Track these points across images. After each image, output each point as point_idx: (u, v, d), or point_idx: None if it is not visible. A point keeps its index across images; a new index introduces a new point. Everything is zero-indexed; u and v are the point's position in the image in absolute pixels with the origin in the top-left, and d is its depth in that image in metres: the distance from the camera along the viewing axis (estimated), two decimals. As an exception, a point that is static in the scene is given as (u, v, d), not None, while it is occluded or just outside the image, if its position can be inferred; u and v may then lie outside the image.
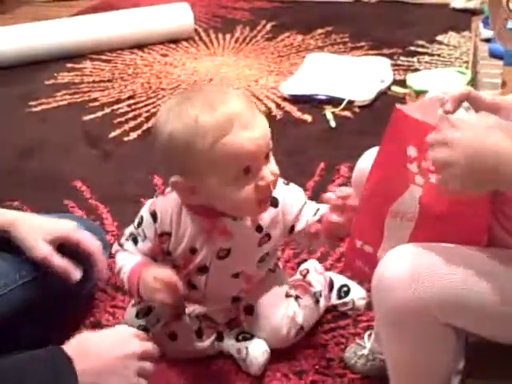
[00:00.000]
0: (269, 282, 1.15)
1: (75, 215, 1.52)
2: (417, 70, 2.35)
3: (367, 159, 0.98)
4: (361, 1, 3.26)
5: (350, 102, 2.11)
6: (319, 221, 1.06)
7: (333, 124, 2.02)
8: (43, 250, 1.09)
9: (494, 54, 1.93)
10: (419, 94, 2.03)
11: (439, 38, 2.67)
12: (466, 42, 2.62)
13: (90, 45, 2.67)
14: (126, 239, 1.10)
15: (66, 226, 1.14)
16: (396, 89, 2.20)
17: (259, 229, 1.06)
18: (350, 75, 2.29)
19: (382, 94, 2.19)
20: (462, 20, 2.85)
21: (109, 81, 2.44)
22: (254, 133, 0.93)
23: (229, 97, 0.95)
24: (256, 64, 2.53)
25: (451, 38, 2.68)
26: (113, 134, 2.02)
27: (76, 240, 1.13)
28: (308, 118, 2.07)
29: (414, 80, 2.10)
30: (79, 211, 1.61)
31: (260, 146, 0.94)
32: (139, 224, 1.07)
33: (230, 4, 3.32)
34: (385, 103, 2.15)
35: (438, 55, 2.52)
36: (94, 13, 2.90)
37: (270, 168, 0.97)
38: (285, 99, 2.19)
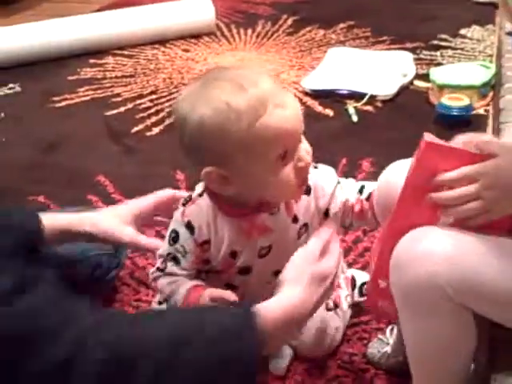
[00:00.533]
0: None
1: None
2: (440, 64, 2.33)
3: (391, 174, 0.95)
4: (383, -6, 3.24)
5: (373, 97, 2.10)
6: (367, 199, 1.00)
7: (355, 119, 2.01)
8: (129, 233, 1.09)
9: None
10: (442, 88, 2.01)
11: (462, 31, 2.64)
12: (489, 36, 2.59)
13: (112, 40, 2.69)
14: (164, 261, 1.01)
15: (135, 204, 1.14)
16: (419, 83, 2.19)
17: (295, 220, 1.00)
18: (372, 70, 2.27)
19: (405, 89, 2.18)
20: (485, 13, 2.82)
21: (131, 76, 2.46)
22: (289, 111, 0.88)
23: (257, 77, 0.90)
24: (277, 59, 2.52)
25: (475, 31, 2.65)
26: (135, 129, 2.03)
27: (152, 207, 1.14)
28: (330, 112, 2.06)
29: (437, 74, 2.08)
30: (103, 205, 1.62)
31: (295, 125, 0.89)
32: (175, 240, 0.99)
33: (251, -1, 3.32)
34: (407, 97, 2.13)
35: (462, 49, 2.49)
36: (115, 9, 2.91)
37: (305, 147, 0.92)
38: (306, 94, 2.18)
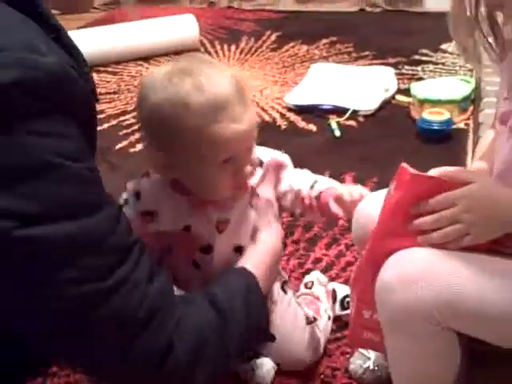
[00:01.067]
0: (281, 303, 1.11)
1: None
2: (421, 78, 2.36)
3: (367, 204, 0.97)
4: (365, 10, 3.28)
5: (355, 112, 2.12)
6: (317, 197, 1.04)
7: (337, 133, 2.03)
8: None
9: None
10: (423, 102, 2.04)
11: (443, 46, 2.68)
12: (470, 51, 2.62)
13: (96, 57, 2.69)
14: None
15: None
16: (400, 98, 2.21)
17: (253, 190, 1.03)
18: (354, 85, 2.30)
19: (387, 103, 2.20)
20: (466, 28, 2.85)
21: (115, 93, 2.46)
22: (243, 126, 0.90)
23: (223, 81, 0.91)
24: (261, 74, 2.54)
25: (455, 46, 2.68)
26: (119, 146, 2.04)
27: None
28: (313, 127, 2.08)
29: (417, 89, 2.10)
30: (86, 223, 1.62)
31: (245, 140, 0.92)
32: (124, 203, 1.01)
33: (235, 15, 3.34)
34: (389, 112, 2.16)
35: (442, 64, 2.52)
36: (99, 25, 2.93)
37: (250, 157, 0.96)
38: (290, 109, 2.20)
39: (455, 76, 2.32)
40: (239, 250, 1.02)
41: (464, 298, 0.79)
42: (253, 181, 1.02)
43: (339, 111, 2.14)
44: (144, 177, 1.03)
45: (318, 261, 1.44)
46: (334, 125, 2.07)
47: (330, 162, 1.85)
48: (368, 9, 3.28)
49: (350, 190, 1.02)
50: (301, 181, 1.07)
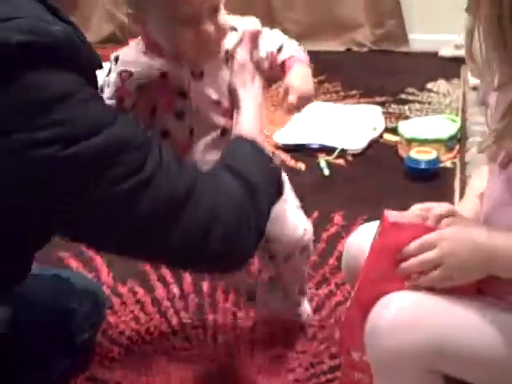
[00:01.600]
0: None
1: (70, 271, 1.53)
2: (408, 117, 2.40)
3: (357, 238, 0.99)
4: (351, 50, 3.34)
5: (343, 151, 2.14)
6: (281, 65, 1.12)
7: (326, 172, 2.05)
8: None
9: (482, 102, 1.98)
10: (410, 141, 2.07)
11: (429, 85, 2.72)
12: (455, 90, 2.67)
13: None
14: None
15: None
16: (388, 137, 2.24)
17: (227, 52, 1.10)
18: (342, 124, 2.33)
19: (375, 142, 2.23)
20: (450, 68, 2.91)
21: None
22: None
23: None
24: (250, 113, 2.57)
25: (441, 85, 2.73)
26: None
27: None
28: (302, 166, 2.10)
29: (405, 128, 2.13)
30: (75, 263, 1.62)
31: None
32: (107, 74, 1.09)
33: (223, 54, 3.39)
34: (377, 151, 2.18)
35: (429, 103, 2.57)
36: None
37: (217, 21, 1.03)
38: (279, 148, 2.22)
39: (441, 115, 2.36)
40: (217, 104, 1.11)
41: (453, 343, 0.80)
42: (228, 45, 1.10)
43: (328, 150, 2.16)
44: (125, 46, 1.12)
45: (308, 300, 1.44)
46: (322, 163, 2.09)
47: (320, 200, 1.86)
48: (355, 48, 3.33)
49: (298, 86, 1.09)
50: (270, 43, 1.13)
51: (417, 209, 0.90)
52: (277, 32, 1.16)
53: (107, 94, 1.07)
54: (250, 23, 1.14)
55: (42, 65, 0.81)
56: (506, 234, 0.82)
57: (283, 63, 1.12)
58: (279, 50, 1.13)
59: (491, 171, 0.90)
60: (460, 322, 0.81)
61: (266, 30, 1.15)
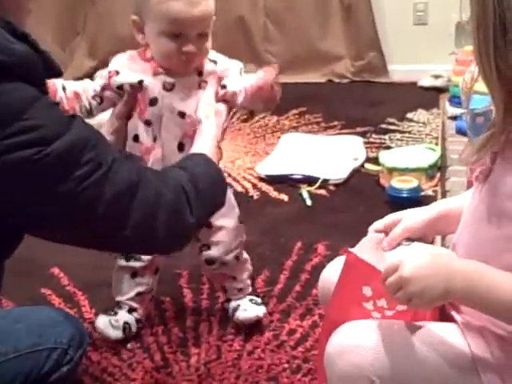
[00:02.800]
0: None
1: (49, 307, 1.51)
2: (389, 147, 2.42)
3: (332, 270, 1.02)
4: (332, 81, 3.38)
5: (325, 181, 2.16)
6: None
7: (309, 203, 2.06)
8: None
9: (460, 131, 2.01)
10: (392, 171, 2.09)
11: (409, 115, 2.76)
12: (434, 119, 2.71)
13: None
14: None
15: None
16: (369, 166, 2.26)
17: (200, 74, 1.29)
18: (324, 154, 2.34)
19: (356, 172, 2.24)
20: (429, 98, 2.96)
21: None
22: (193, 10, 1.20)
23: None
24: (232, 145, 2.58)
25: (420, 115, 2.77)
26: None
27: None
28: (284, 197, 2.11)
29: (386, 157, 2.15)
30: (56, 299, 1.60)
31: (192, 22, 1.21)
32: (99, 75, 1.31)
33: (206, 87, 3.41)
34: (359, 181, 2.20)
35: (409, 132, 2.60)
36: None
37: (201, 45, 1.23)
38: (261, 179, 2.23)
39: (421, 144, 2.39)
40: (183, 116, 1.28)
41: (402, 368, 0.83)
42: (205, 70, 1.28)
43: (310, 180, 2.17)
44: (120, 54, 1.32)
45: (292, 332, 1.43)
46: (305, 194, 2.10)
47: (303, 230, 1.87)
48: (335, 80, 3.38)
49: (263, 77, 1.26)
50: (245, 79, 1.30)
51: (372, 230, 0.97)
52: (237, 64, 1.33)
53: (96, 83, 1.30)
54: (230, 62, 1.33)
55: (5, 78, 0.90)
56: (466, 262, 0.84)
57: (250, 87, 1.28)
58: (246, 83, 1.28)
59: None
60: (406, 349, 0.85)
61: (237, 65, 1.32)
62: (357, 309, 0.88)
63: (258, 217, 1.96)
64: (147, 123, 1.30)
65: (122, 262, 1.43)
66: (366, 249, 0.94)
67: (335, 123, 2.72)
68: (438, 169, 2.14)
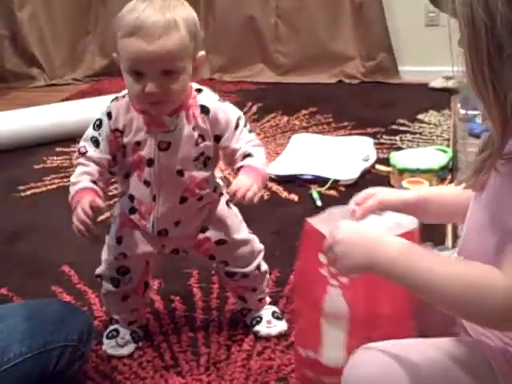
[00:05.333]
0: (230, 217, 1.35)
1: (59, 300, 1.52)
2: (399, 148, 2.41)
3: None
4: (343, 82, 3.37)
5: (336, 181, 2.15)
6: (238, 170, 1.24)
7: (319, 203, 2.05)
8: None
9: (472, 133, 1.99)
10: (402, 172, 2.08)
11: (420, 116, 2.75)
12: (446, 120, 2.70)
13: (79, 129, 2.71)
14: (87, 143, 1.26)
15: None
16: (380, 167, 2.25)
17: (194, 128, 1.24)
18: (334, 155, 2.34)
19: (367, 173, 2.24)
20: (441, 99, 2.95)
21: (98, 164, 2.47)
22: (149, 46, 1.13)
23: (163, 11, 1.14)
24: (242, 145, 2.58)
25: (432, 116, 2.76)
26: (101, 218, 2.03)
27: None
28: (295, 197, 2.10)
29: (396, 158, 2.15)
30: (67, 297, 1.60)
31: (149, 59, 1.13)
32: (99, 126, 1.26)
33: (217, 87, 3.41)
34: (369, 182, 2.19)
35: (420, 133, 2.59)
36: (83, 97, 2.97)
37: (166, 85, 1.16)
38: (272, 179, 2.22)
39: (432, 145, 2.38)
40: (182, 174, 1.26)
41: None
42: (199, 122, 1.24)
43: (320, 181, 2.17)
44: (113, 101, 1.27)
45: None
46: (315, 194, 2.10)
47: (313, 231, 1.86)
48: (346, 80, 3.38)
49: (239, 187, 1.18)
50: (242, 140, 1.25)
51: (353, 202, 1.00)
52: (252, 136, 1.28)
53: (102, 148, 1.25)
54: (224, 110, 1.26)
55: None
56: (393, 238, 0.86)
57: (238, 168, 1.24)
58: (245, 156, 1.25)
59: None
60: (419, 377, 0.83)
61: (245, 132, 1.27)
62: (316, 274, 0.91)
63: (268, 217, 1.95)
64: (146, 184, 1.27)
65: (110, 287, 1.38)
66: (335, 218, 0.95)
67: (346, 124, 2.71)
68: (449, 170, 2.13)
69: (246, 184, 1.18)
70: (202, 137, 1.25)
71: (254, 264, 1.39)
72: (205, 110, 1.25)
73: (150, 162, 1.25)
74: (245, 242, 1.37)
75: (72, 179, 1.28)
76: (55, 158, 2.55)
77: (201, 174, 1.28)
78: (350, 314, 0.91)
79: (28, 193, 2.26)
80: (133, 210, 1.31)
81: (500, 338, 0.86)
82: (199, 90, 1.27)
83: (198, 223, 1.34)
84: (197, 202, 1.31)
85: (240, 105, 2.99)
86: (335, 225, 0.87)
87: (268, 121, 2.83)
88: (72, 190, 1.26)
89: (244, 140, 1.26)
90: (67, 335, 1.18)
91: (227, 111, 1.26)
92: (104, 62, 3.56)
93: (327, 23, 3.37)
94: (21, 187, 2.29)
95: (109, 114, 1.25)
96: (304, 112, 2.89)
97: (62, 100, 3.11)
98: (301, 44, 3.41)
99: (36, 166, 2.48)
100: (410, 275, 0.80)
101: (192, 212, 1.31)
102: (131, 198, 1.30)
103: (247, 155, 1.24)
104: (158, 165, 1.25)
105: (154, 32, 1.12)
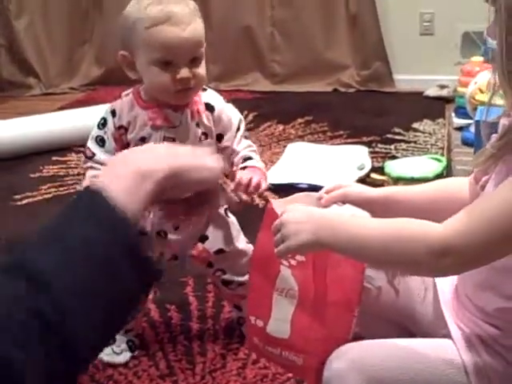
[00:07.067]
0: (229, 226, 1.37)
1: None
2: (394, 157, 2.42)
3: None
4: (338, 90, 3.39)
5: (331, 190, 2.16)
6: (242, 170, 1.25)
7: (314, 212, 2.06)
8: None
9: (466, 142, 2.01)
10: (397, 180, 2.09)
11: (415, 125, 2.77)
12: (440, 129, 2.72)
13: (75, 137, 2.72)
14: (92, 144, 1.26)
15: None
16: (375, 176, 2.26)
17: (198, 125, 1.25)
18: (329, 163, 2.35)
19: (362, 182, 2.24)
20: (435, 108, 2.96)
21: (94, 173, 2.48)
22: (183, 32, 1.16)
23: (179, 1, 1.18)
24: (238, 154, 2.59)
25: (426, 125, 2.78)
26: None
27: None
28: (290, 206, 2.11)
29: (391, 167, 2.16)
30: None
31: (183, 45, 1.16)
32: (104, 124, 1.26)
33: (212, 95, 3.42)
34: (364, 190, 2.20)
35: (415, 142, 2.60)
36: (78, 106, 2.98)
37: (195, 70, 1.18)
38: (267, 188, 2.22)
39: (427, 154, 2.39)
40: None
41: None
42: (203, 119, 1.25)
43: (315, 189, 2.16)
44: (118, 99, 1.28)
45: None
46: (310, 203, 2.10)
47: (308, 240, 1.87)
48: (341, 89, 3.39)
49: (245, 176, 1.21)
50: (242, 144, 1.28)
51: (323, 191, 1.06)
52: (250, 142, 1.31)
53: (108, 146, 1.25)
54: (228, 110, 1.29)
55: None
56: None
57: (242, 169, 1.26)
58: (245, 159, 1.27)
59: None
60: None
61: (245, 141, 1.29)
62: (272, 252, 0.92)
63: (264, 225, 1.96)
64: None
65: None
66: (297, 202, 0.98)
67: (341, 132, 2.73)
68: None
69: (249, 174, 1.22)
70: (206, 134, 1.27)
71: None
72: (210, 107, 1.26)
73: None
74: (243, 252, 1.38)
75: (84, 184, 1.26)
76: (51, 166, 2.56)
77: None
78: (298, 293, 0.96)
79: (24, 202, 2.26)
80: None
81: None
82: (204, 89, 1.29)
83: (198, 228, 1.34)
84: None
85: (236, 114, 3.05)
86: (286, 207, 0.91)
87: (264, 129, 2.84)
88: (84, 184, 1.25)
89: (244, 144, 1.29)
90: None
91: (231, 112, 1.29)
92: (100, 71, 3.58)
93: (322, 32, 3.39)
94: (17, 196, 2.29)
95: (113, 112, 1.26)
96: (299, 121, 2.90)
97: (59, 109, 3.11)
98: (296, 53, 3.43)
99: (32, 175, 2.48)
100: (351, 244, 0.84)
101: None
102: None
103: (248, 158, 1.27)
104: None
105: (185, 19, 1.17)
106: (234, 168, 1.27)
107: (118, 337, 1.41)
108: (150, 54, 1.18)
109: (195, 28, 1.18)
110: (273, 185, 2.23)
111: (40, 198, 2.29)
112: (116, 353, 1.39)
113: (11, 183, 2.41)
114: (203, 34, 1.21)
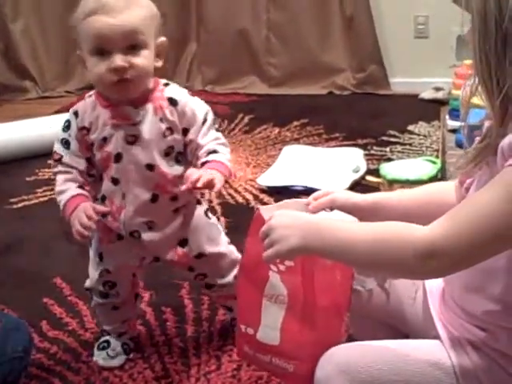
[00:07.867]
0: (209, 228, 1.35)
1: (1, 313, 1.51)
2: (390, 159, 2.43)
3: None
4: (334, 93, 3.40)
5: (326, 192, 2.16)
6: (202, 164, 1.21)
7: (310, 214, 2.06)
8: None
9: (459, 144, 2.01)
10: (392, 182, 2.09)
11: (410, 127, 2.78)
12: (435, 132, 2.73)
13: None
14: (58, 146, 1.26)
15: None
16: (370, 178, 2.27)
17: (162, 120, 1.24)
18: (325, 166, 2.36)
19: (357, 184, 2.25)
20: (430, 110, 2.97)
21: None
22: (113, 20, 1.15)
23: None
24: (234, 157, 2.59)
25: (421, 127, 2.78)
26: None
27: None
28: (285, 208, 2.11)
29: (386, 169, 2.16)
30: (58, 309, 1.61)
31: (113, 32, 1.15)
32: (68, 127, 1.26)
33: (209, 98, 3.42)
34: (359, 193, 2.19)
35: (410, 144, 2.61)
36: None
37: (132, 59, 1.17)
38: (263, 191, 2.24)
39: (422, 156, 2.40)
40: (152, 168, 1.24)
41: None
42: (167, 114, 1.23)
43: (311, 192, 2.16)
44: (80, 100, 1.28)
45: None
46: (306, 205, 2.11)
47: (303, 242, 1.87)
48: (337, 92, 3.40)
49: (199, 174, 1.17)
50: (208, 137, 1.24)
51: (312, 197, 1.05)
52: (219, 135, 1.28)
53: (73, 148, 1.25)
54: (193, 104, 1.25)
55: None
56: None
57: (202, 163, 1.23)
58: (209, 152, 1.23)
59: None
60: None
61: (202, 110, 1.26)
62: (260, 258, 0.92)
63: (259, 228, 1.96)
64: (114, 182, 1.25)
65: (99, 300, 1.39)
66: (286, 208, 0.98)
67: (336, 135, 2.73)
68: (438, 181, 2.15)
69: (200, 172, 1.17)
70: (170, 129, 1.24)
71: (232, 274, 1.38)
72: (173, 102, 1.24)
73: (118, 158, 1.24)
74: (224, 255, 1.36)
75: (57, 188, 1.26)
76: (47, 170, 2.55)
77: (174, 170, 1.26)
78: (288, 298, 0.95)
79: (20, 205, 2.26)
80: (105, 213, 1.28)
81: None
82: (166, 84, 1.27)
83: (174, 229, 1.31)
84: (170, 201, 1.28)
85: (232, 116, 3.05)
86: (273, 213, 0.91)
87: (259, 132, 2.85)
88: (62, 198, 1.25)
89: (210, 137, 1.25)
90: (13, 346, 1.20)
91: (195, 104, 1.26)
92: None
93: (318, 35, 3.40)
94: (13, 199, 2.29)
95: (75, 113, 1.26)
96: (295, 123, 2.91)
97: (55, 112, 3.11)
98: (292, 56, 3.43)
99: (28, 178, 2.48)
100: (338, 248, 0.85)
101: (165, 213, 1.29)
102: (103, 198, 1.27)
103: (212, 152, 1.23)
104: (126, 159, 1.24)
105: (117, 8, 1.16)
106: (199, 162, 1.24)
107: (112, 340, 1.41)
108: (87, 45, 1.19)
109: (129, 15, 1.16)
110: (268, 187, 2.24)
111: (36, 201, 2.29)
112: (111, 356, 1.39)
113: (7, 186, 2.41)
114: (143, 22, 1.18)
